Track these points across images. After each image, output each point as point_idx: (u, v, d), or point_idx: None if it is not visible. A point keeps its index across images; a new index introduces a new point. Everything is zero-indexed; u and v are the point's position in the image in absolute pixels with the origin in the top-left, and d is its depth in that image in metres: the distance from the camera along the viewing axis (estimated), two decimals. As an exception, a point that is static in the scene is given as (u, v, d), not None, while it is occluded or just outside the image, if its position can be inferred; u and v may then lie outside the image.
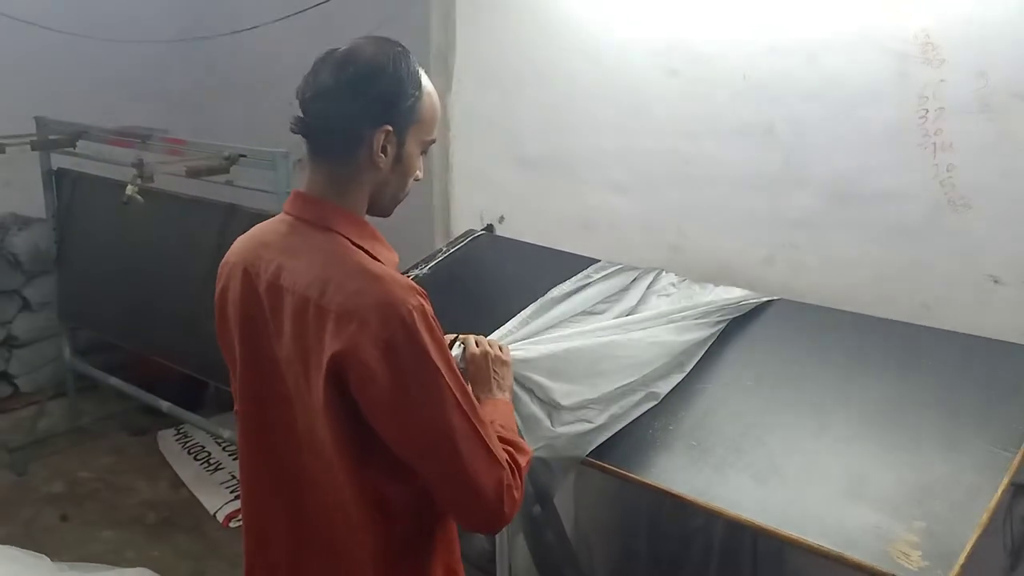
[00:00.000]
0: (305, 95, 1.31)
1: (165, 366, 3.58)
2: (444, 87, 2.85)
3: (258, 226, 1.45)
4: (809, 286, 2.25)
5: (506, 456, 1.32)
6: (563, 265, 2.50)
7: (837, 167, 2.17)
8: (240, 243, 1.44)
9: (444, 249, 2.69)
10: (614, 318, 2.17)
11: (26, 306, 4.30)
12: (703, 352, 2.08)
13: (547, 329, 2.11)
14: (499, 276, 2.59)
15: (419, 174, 1.40)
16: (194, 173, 2.91)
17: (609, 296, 2.28)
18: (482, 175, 2.90)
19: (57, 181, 3.87)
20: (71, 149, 3.63)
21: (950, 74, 1.98)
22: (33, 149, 3.61)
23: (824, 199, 2.20)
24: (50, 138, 3.63)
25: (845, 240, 2.19)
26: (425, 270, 2.54)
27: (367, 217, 1.39)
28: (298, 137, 1.37)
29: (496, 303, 2.37)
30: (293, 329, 1.30)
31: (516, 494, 1.31)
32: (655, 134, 2.46)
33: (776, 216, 2.29)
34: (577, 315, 2.21)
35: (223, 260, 1.45)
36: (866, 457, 1.73)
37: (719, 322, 2.12)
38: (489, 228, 2.86)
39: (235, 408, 1.47)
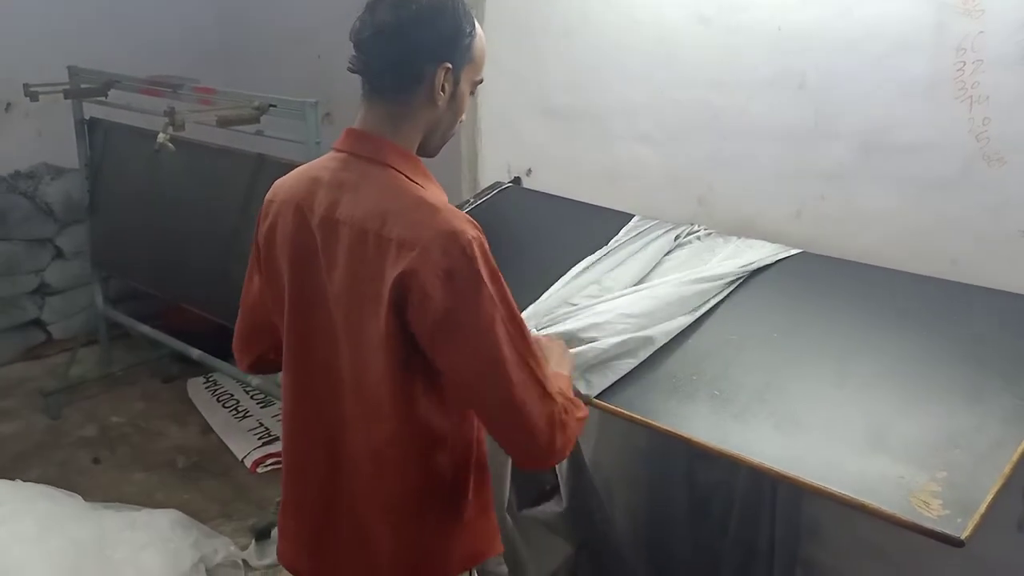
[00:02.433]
0: (362, 34, 1.32)
1: (195, 315, 3.63)
2: (473, 39, 2.83)
3: (305, 165, 1.47)
4: (836, 240, 2.23)
5: (562, 398, 1.34)
6: (589, 217, 2.51)
7: (868, 120, 2.14)
8: (287, 181, 1.45)
9: (471, 200, 2.70)
10: (634, 274, 2.18)
11: (59, 255, 4.38)
12: (709, 300, 2.08)
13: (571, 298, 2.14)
14: (525, 228, 2.60)
15: (464, 116, 1.42)
16: (224, 122, 2.93)
17: (635, 253, 2.28)
18: (510, 127, 2.89)
19: (89, 130, 3.91)
20: (103, 98, 3.66)
21: (989, 24, 1.93)
22: (66, 98, 3.64)
23: (854, 152, 2.18)
24: (82, 87, 3.66)
25: (874, 194, 2.17)
26: (452, 220, 2.55)
27: None
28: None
29: (521, 255, 2.38)
30: (348, 262, 1.32)
31: (568, 432, 1.33)
32: (684, 85, 2.44)
33: (805, 169, 2.27)
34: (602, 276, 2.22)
35: (268, 198, 1.47)
36: (889, 408, 1.73)
37: (732, 283, 2.13)
38: (516, 181, 2.85)
39: (283, 345, 1.48)
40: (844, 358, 1.88)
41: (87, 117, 3.89)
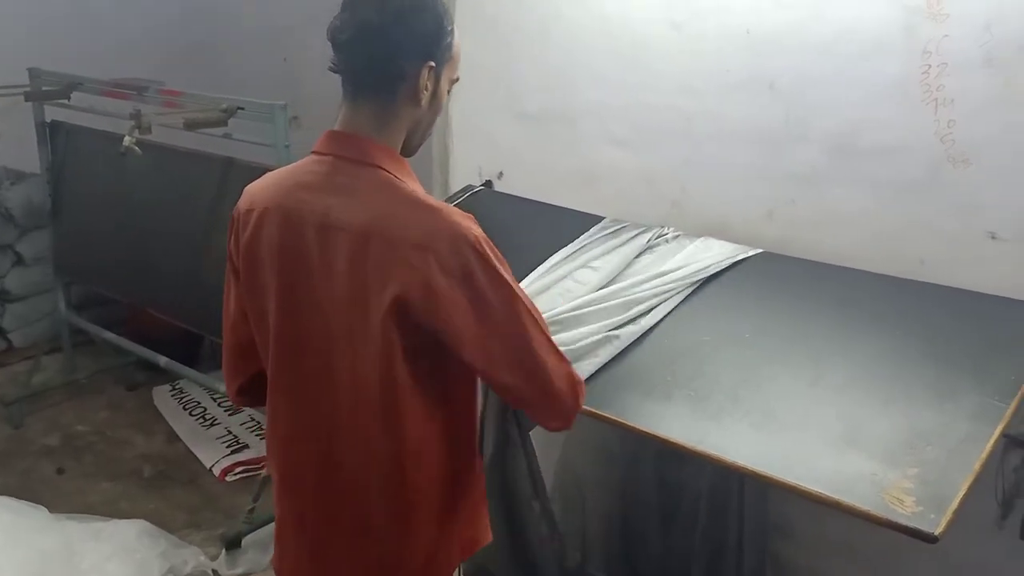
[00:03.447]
0: (343, 34, 1.30)
1: (160, 321, 3.58)
2: (444, 41, 2.83)
3: (282, 170, 1.44)
4: (807, 241, 2.25)
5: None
6: (562, 220, 2.50)
7: (839, 122, 2.17)
8: (266, 188, 1.41)
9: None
10: (602, 276, 2.19)
11: (19, 261, 4.29)
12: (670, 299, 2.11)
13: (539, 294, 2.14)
14: (498, 232, 2.56)
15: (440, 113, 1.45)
16: (191, 125, 2.89)
17: (604, 255, 2.29)
18: (481, 130, 2.89)
19: (51, 134, 3.83)
20: (65, 101, 3.59)
21: (954, 29, 1.96)
22: (26, 100, 3.57)
23: (824, 154, 2.20)
24: (44, 89, 3.59)
25: (844, 196, 2.19)
26: (424, 224, 2.54)
27: None
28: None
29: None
30: (350, 267, 1.30)
31: (580, 387, 1.43)
32: (657, 89, 2.45)
33: (776, 171, 2.29)
34: (571, 272, 2.23)
35: (243, 207, 1.43)
36: (861, 406, 1.75)
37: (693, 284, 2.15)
38: (488, 184, 2.85)
39: (267, 356, 1.46)
40: (817, 357, 1.90)
41: (48, 120, 3.81)
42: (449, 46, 1.35)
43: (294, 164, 1.42)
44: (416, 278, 1.24)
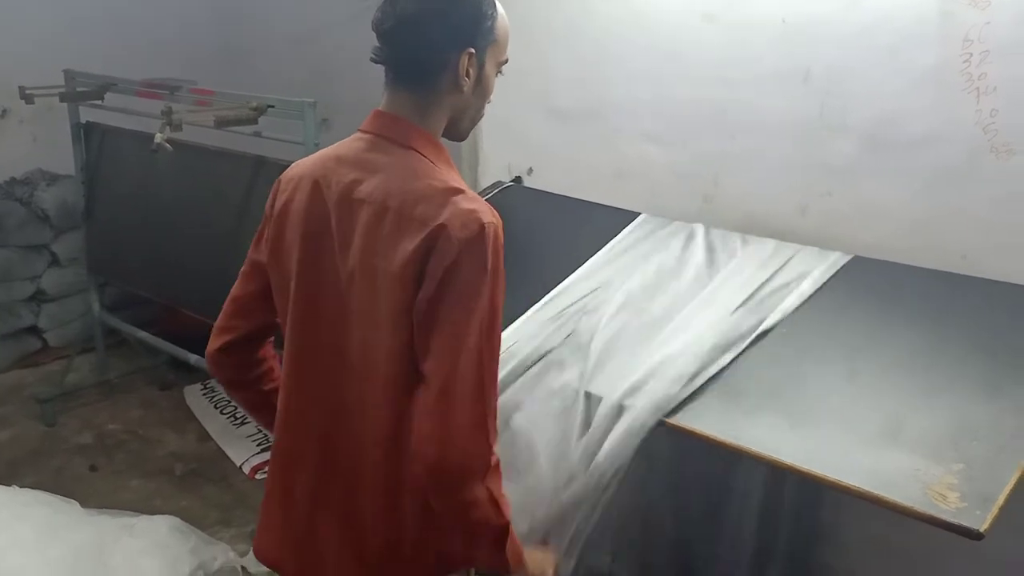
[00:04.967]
0: (385, 25, 1.31)
1: (193, 321, 3.58)
2: (474, 37, 2.81)
3: (331, 146, 1.44)
4: (843, 235, 2.21)
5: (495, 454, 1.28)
6: (593, 216, 2.48)
7: (875, 113, 2.13)
8: (309, 159, 1.44)
9: (472, 199, 2.67)
10: (644, 283, 2.14)
11: (55, 261, 4.33)
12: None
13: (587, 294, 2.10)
14: (527, 227, 2.57)
15: (492, 97, 1.41)
16: (222, 123, 2.89)
17: (644, 259, 2.25)
18: (511, 126, 2.87)
19: (85, 135, 3.87)
20: (99, 102, 3.62)
21: (996, 15, 1.92)
22: (61, 101, 3.61)
23: (861, 146, 2.16)
24: (78, 90, 3.63)
25: (881, 188, 2.15)
26: (453, 219, 2.52)
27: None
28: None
29: (522, 254, 2.36)
30: (364, 240, 1.30)
31: (491, 483, 1.26)
32: (690, 81, 2.42)
33: (811, 164, 2.25)
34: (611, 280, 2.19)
35: (284, 175, 1.45)
36: (903, 401, 1.71)
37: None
38: (517, 180, 2.83)
39: (284, 328, 1.45)
40: (855, 351, 1.86)
41: (83, 121, 3.85)
42: (491, 29, 1.33)
43: (342, 140, 1.42)
44: (420, 250, 1.23)
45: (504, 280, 1.27)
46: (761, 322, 1.98)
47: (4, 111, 4.32)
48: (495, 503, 1.28)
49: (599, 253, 2.27)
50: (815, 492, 2.20)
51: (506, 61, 1.40)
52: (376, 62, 1.34)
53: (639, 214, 2.41)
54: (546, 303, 2.16)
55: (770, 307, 2.01)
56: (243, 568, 2.85)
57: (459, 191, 1.27)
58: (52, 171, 4.37)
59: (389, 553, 1.38)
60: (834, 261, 2.12)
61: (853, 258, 2.13)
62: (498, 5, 1.35)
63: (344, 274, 1.33)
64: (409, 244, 1.24)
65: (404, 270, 1.25)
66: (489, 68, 1.36)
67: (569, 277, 2.20)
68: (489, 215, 1.25)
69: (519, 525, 1.40)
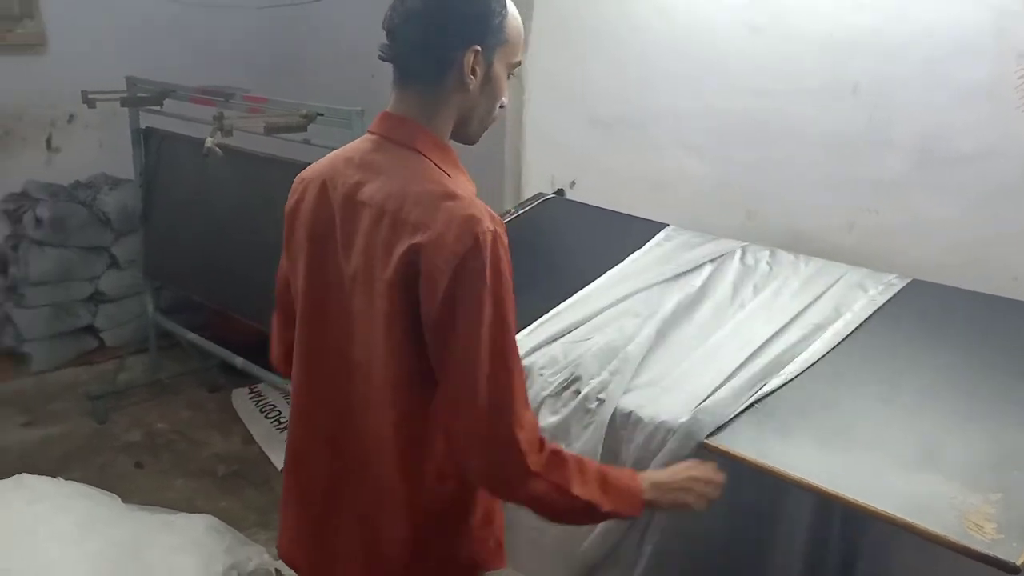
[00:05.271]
0: (393, 21, 1.30)
1: (243, 327, 3.64)
2: (520, 48, 2.81)
3: (343, 147, 1.44)
4: (889, 253, 2.14)
5: (539, 435, 1.27)
6: (631, 229, 2.45)
7: (924, 128, 2.06)
8: (323, 160, 1.44)
9: (512, 211, 2.66)
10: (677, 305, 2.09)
11: (114, 263, 4.44)
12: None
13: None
14: (565, 239, 2.55)
15: (505, 99, 1.37)
16: (272, 129, 2.94)
17: (681, 277, 2.20)
18: (554, 138, 2.86)
19: (145, 140, 3.97)
20: (158, 108, 3.72)
21: (1053, 28, 1.85)
22: (122, 105, 3.71)
23: (908, 162, 2.10)
24: (138, 96, 3.73)
25: (930, 205, 2.08)
26: (492, 229, 2.51)
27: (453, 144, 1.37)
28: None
29: (560, 265, 2.34)
30: (365, 243, 1.29)
31: (533, 440, 1.26)
32: (733, 93, 2.38)
33: (857, 180, 2.19)
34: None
35: (299, 176, 1.45)
36: (940, 426, 1.64)
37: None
38: (560, 192, 2.81)
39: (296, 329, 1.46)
40: (892, 374, 1.80)
41: (143, 127, 3.96)
42: (500, 28, 1.30)
43: (353, 141, 1.42)
44: (415, 252, 1.21)
45: (510, 281, 1.24)
46: (808, 345, 1.92)
47: (71, 116, 4.46)
48: (560, 490, 1.27)
49: (626, 265, 2.23)
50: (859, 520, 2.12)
51: (519, 63, 1.37)
52: (383, 59, 1.33)
53: (678, 228, 2.37)
54: (577, 310, 2.13)
55: (817, 332, 1.95)
56: (277, 571, 2.87)
57: (456, 196, 1.24)
58: (115, 176, 4.49)
59: (398, 553, 1.37)
60: (886, 285, 2.04)
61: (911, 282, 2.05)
62: (509, 4, 1.32)
63: (347, 276, 1.33)
64: (400, 249, 1.22)
65: (395, 275, 1.23)
66: (498, 68, 1.32)
67: (596, 285, 2.16)
68: (486, 222, 1.21)
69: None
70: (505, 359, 1.24)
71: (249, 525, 3.13)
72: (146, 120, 3.94)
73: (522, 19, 1.35)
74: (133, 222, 4.24)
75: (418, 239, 1.21)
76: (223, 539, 2.83)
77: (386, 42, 1.32)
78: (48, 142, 4.48)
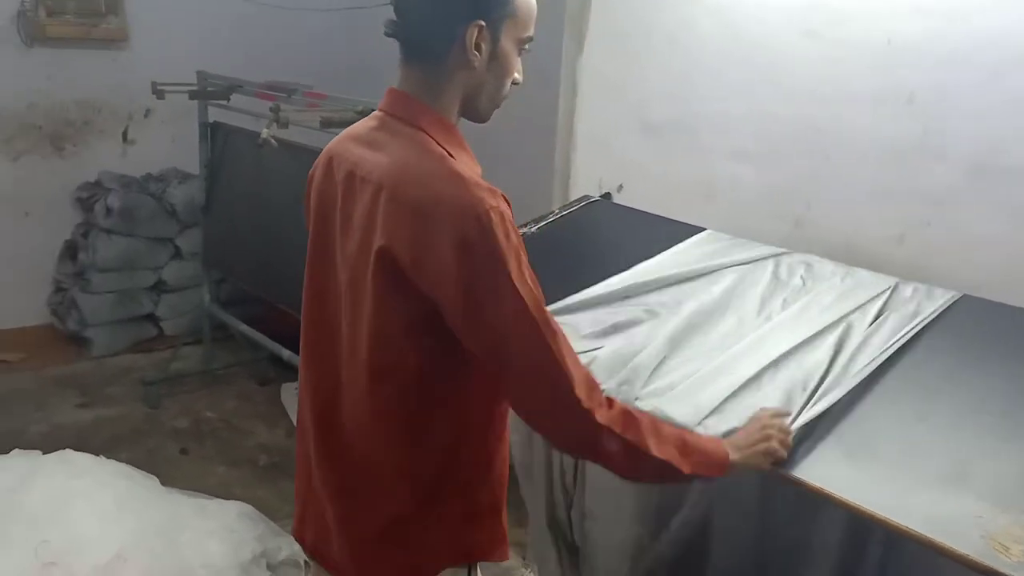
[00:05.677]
0: None
1: (295, 320, 3.68)
2: (576, 51, 2.80)
3: (354, 124, 1.45)
4: (941, 268, 2.04)
5: (600, 392, 1.27)
6: (674, 234, 2.39)
7: (981, 139, 1.97)
8: (338, 136, 1.44)
9: (556, 211, 2.63)
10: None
11: (177, 254, 4.57)
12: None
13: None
14: (606, 241, 2.51)
15: (518, 76, 1.34)
16: (327, 124, 2.98)
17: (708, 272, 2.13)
18: (604, 142, 2.83)
19: (212, 134, 4.08)
20: (225, 102, 3.81)
21: (1123, 35, 1.75)
22: (191, 98, 3.83)
23: (964, 174, 2.00)
24: (207, 90, 3.83)
25: (985, 219, 1.98)
26: (534, 229, 2.49)
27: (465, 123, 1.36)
28: None
29: (598, 267, 2.29)
30: (363, 221, 1.28)
31: (597, 393, 1.26)
32: (786, 99, 2.32)
33: (910, 191, 2.10)
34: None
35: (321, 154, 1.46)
36: (973, 444, 1.55)
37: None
38: (607, 196, 2.77)
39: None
40: (927, 391, 1.70)
41: (211, 121, 4.06)
42: (506, 2, 1.27)
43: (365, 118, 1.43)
44: (407, 235, 1.19)
45: (522, 251, 1.22)
46: (846, 359, 1.83)
47: (148, 111, 4.62)
48: (635, 448, 1.27)
49: (648, 265, 2.18)
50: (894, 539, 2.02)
51: (530, 39, 1.33)
52: (388, 35, 1.32)
53: (715, 232, 2.31)
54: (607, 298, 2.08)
55: (860, 346, 1.86)
56: (306, 563, 2.88)
57: (456, 175, 1.22)
58: (185, 170, 4.62)
59: (384, 536, 1.35)
60: (933, 299, 1.94)
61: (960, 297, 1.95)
62: None
63: (343, 254, 1.32)
64: (396, 228, 1.20)
65: (386, 254, 1.21)
66: (506, 44, 1.29)
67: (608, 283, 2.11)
68: (487, 199, 1.19)
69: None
70: (543, 332, 1.21)
71: (284, 516, 3.15)
72: (214, 115, 4.05)
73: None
74: (198, 215, 4.35)
75: (416, 219, 1.19)
76: (255, 527, 2.86)
77: (393, 18, 1.32)
78: (124, 134, 4.65)
